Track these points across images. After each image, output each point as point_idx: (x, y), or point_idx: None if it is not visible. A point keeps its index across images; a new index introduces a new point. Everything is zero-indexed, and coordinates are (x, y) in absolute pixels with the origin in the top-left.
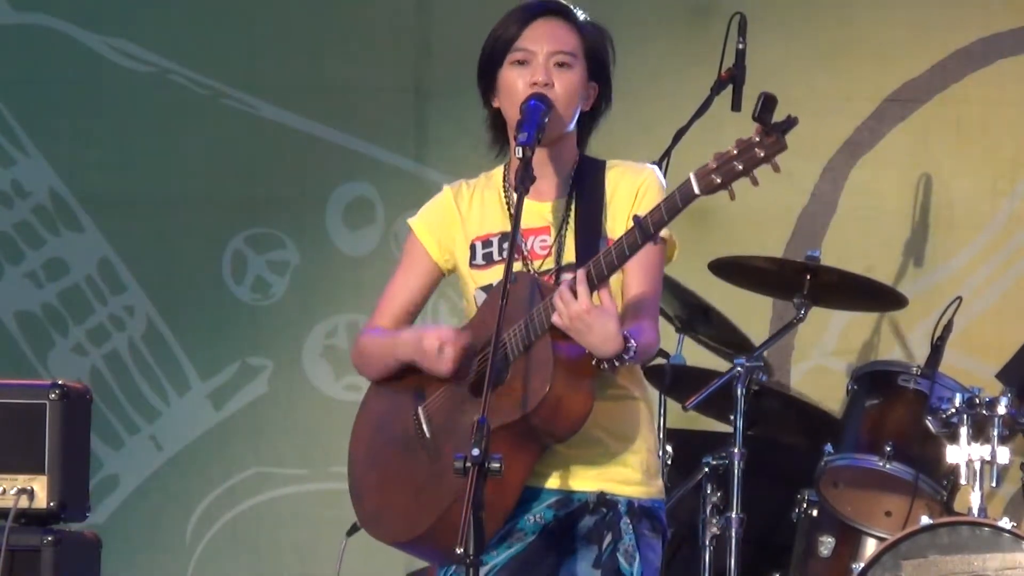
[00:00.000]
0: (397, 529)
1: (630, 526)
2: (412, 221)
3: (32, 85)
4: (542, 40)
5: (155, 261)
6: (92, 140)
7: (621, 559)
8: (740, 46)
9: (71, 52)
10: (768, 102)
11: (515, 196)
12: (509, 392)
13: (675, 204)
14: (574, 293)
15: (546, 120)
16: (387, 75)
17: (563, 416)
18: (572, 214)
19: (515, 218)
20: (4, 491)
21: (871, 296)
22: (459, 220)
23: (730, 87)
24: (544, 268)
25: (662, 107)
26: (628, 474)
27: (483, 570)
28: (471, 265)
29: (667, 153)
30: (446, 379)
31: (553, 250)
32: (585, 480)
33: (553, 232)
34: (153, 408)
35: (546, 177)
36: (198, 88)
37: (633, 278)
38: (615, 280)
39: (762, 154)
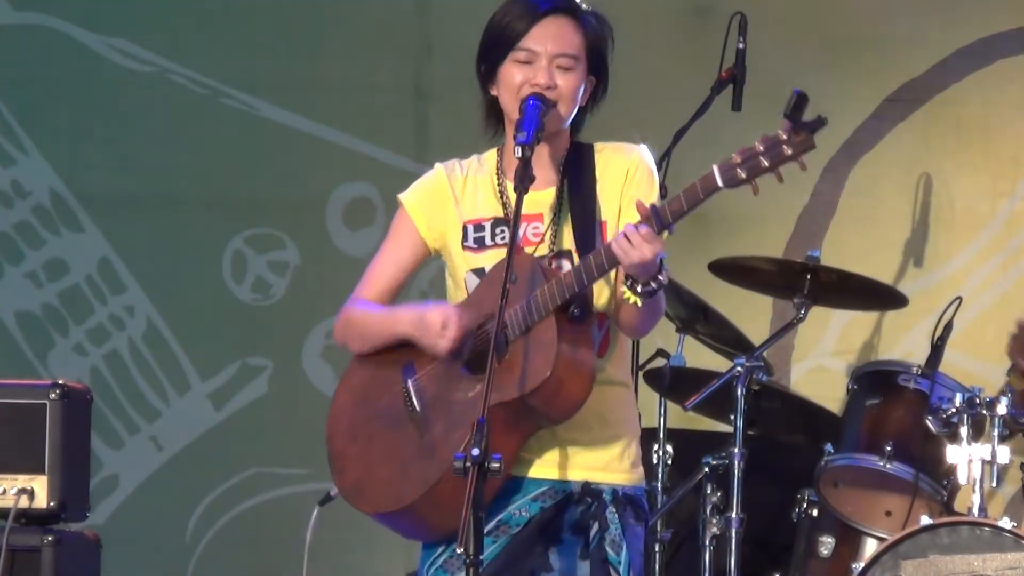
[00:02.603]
0: (380, 500)
1: (616, 515)
2: (403, 197)
3: (32, 85)
4: (547, 41)
5: (155, 261)
6: (92, 140)
7: (608, 549)
8: (740, 46)
9: (71, 52)
10: (800, 101)
11: (509, 185)
12: (509, 370)
13: (696, 195)
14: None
15: (544, 119)
16: (387, 75)
17: (563, 398)
18: (565, 202)
19: (514, 219)
20: (4, 491)
21: (871, 296)
22: (452, 200)
23: (730, 87)
24: (537, 255)
25: (662, 107)
26: (613, 461)
27: None
28: (463, 247)
29: (667, 153)
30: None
31: (547, 237)
32: (570, 468)
33: (547, 219)
34: (153, 408)
35: (540, 166)
36: (198, 88)
37: None
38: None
39: (790, 152)
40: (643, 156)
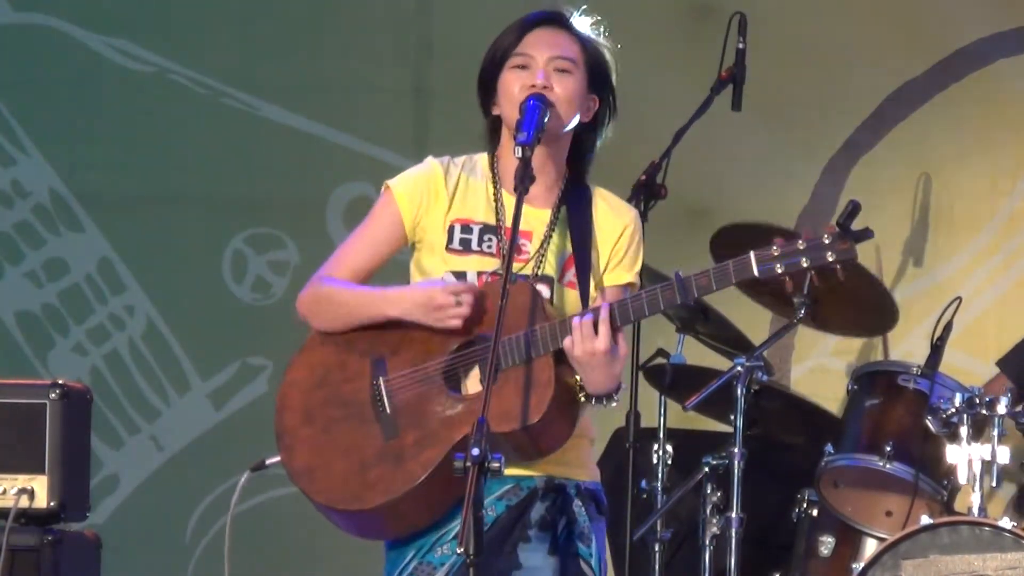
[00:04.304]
0: (336, 495)
1: (582, 508)
2: (393, 184)
3: (32, 85)
4: (541, 46)
5: (155, 261)
6: (92, 140)
7: (578, 542)
8: (740, 46)
9: (71, 52)
10: (854, 211)
11: (505, 194)
12: (497, 399)
13: (728, 277)
14: (595, 328)
15: (546, 120)
16: (387, 75)
17: (545, 440)
18: (559, 228)
19: (515, 219)
20: (4, 491)
21: (868, 293)
22: (444, 196)
23: (730, 87)
24: (521, 272)
25: (662, 107)
26: (573, 458)
27: (441, 571)
28: (447, 248)
29: (667, 153)
30: (414, 356)
31: (534, 258)
32: (532, 466)
33: (536, 240)
34: (153, 408)
35: (537, 183)
36: (198, 88)
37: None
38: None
39: (832, 258)
40: (638, 218)
